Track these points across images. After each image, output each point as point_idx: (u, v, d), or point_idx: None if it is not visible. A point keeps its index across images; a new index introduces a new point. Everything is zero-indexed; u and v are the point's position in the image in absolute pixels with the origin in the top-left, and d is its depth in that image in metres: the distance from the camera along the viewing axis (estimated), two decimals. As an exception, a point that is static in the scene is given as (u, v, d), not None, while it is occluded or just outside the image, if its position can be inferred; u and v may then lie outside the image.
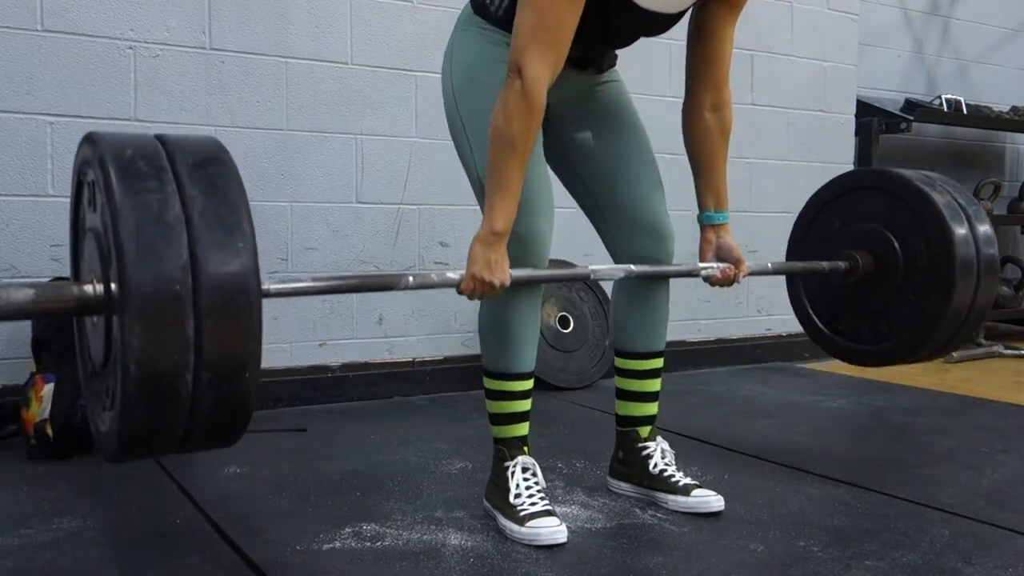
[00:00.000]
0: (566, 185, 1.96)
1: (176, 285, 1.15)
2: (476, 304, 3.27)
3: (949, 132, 4.83)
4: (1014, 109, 4.77)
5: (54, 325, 2.34)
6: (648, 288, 1.93)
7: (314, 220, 2.92)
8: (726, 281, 1.92)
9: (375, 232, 3.02)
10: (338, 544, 1.71)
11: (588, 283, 3.31)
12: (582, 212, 1.97)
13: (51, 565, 1.61)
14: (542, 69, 1.60)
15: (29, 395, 2.29)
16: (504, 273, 1.65)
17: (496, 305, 1.80)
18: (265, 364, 2.81)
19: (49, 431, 2.23)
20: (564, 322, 3.23)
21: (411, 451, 2.36)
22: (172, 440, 1.24)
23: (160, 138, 1.27)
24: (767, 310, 3.87)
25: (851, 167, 4.07)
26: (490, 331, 1.83)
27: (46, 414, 2.24)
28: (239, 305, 1.19)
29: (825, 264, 2.18)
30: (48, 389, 2.27)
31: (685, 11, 1.78)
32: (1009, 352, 4.13)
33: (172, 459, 2.25)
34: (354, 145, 2.97)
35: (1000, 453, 2.40)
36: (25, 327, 2.46)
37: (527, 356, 1.82)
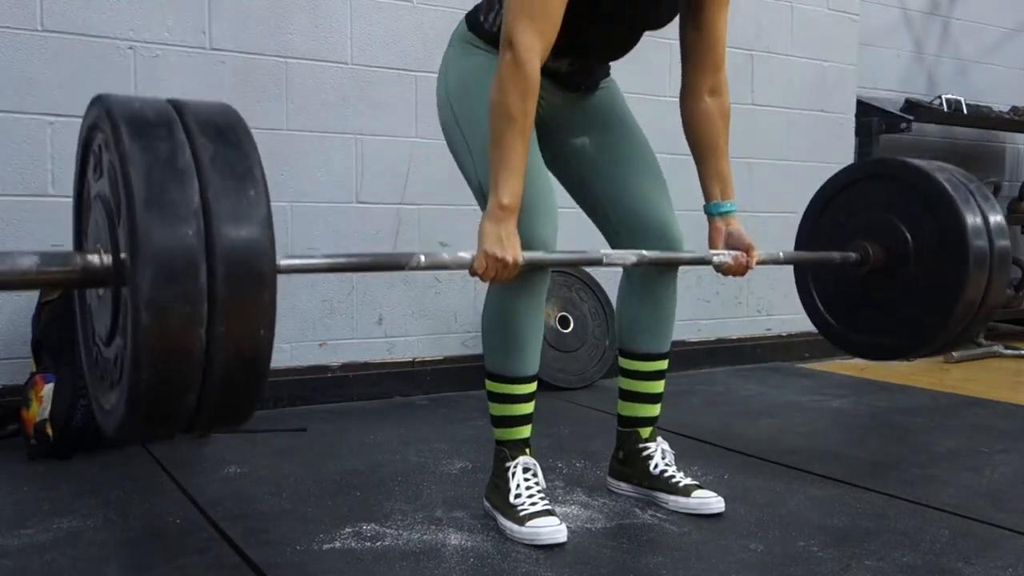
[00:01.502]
0: (571, 193, 1.95)
1: (189, 241, 1.11)
2: (476, 303, 3.27)
3: (949, 132, 4.84)
4: (1014, 109, 4.77)
5: (54, 325, 2.34)
6: (656, 289, 1.92)
7: (314, 220, 2.92)
8: (739, 269, 1.89)
9: (375, 232, 3.02)
10: (338, 544, 1.71)
11: (588, 283, 3.31)
12: (582, 213, 1.97)
13: (51, 565, 1.61)
14: (533, 38, 1.59)
15: (29, 395, 2.29)
16: (516, 250, 1.62)
17: (500, 307, 1.79)
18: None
19: (49, 431, 2.23)
20: (564, 322, 3.23)
21: (411, 451, 2.36)
22: (183, 411, 1.19)
23: (171, 101, 1.25)
24: (767, 310, 3.87)
25: (851, 167, 4.07)
26: (494, 334, 1.82)
27: (46, 414, 2.24)
28: (254, 267, 1.15)
29: (836, 254, 2.14)
30: (48, 389, 2.27)
31: None
32: (1009, 352, 4.13)
33: (172, 459, 2.25)
34: (354, 145, 2.97)
35: (1000, 453, 2.40)
36: (25, 327, 2.46)
37: (531, 359, 1.81)
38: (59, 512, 1.86)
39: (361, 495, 2.00)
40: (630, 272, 1.93)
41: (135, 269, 1.11)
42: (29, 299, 2.48)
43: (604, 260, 1.77)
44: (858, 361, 3.98)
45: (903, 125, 4.15)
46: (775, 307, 3.86)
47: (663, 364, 1.97)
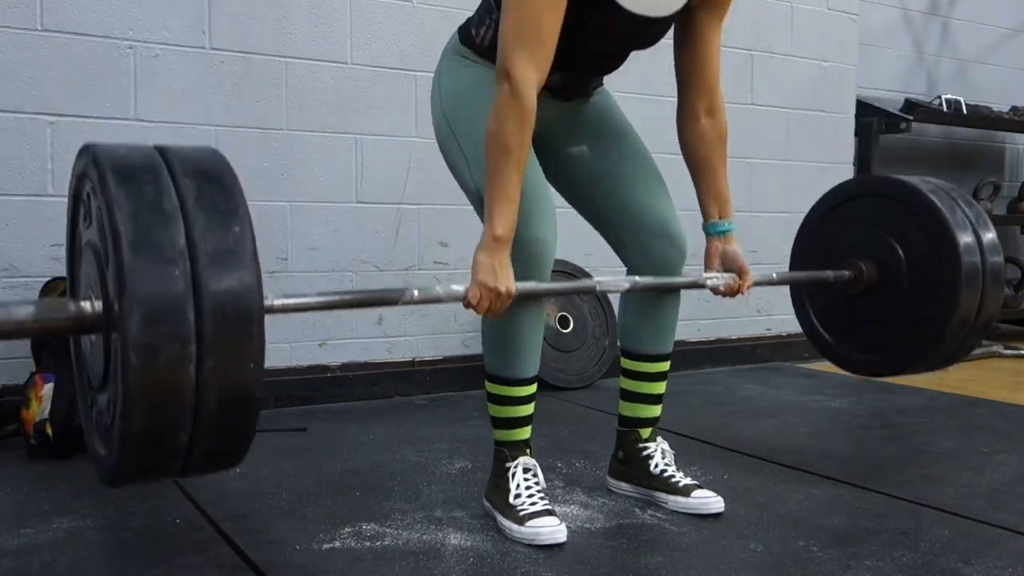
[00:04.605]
0: (571, 202, 1.95)
1: (176, 282, 1.12)
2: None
3: (949, 132, 4.84)
4: (1014, 109, 4.77)
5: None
6: (661, 291, 1.91)
7: (314, 220, 2.92)
8: (730, 293, 1.92)
9: (375, 232, 3.02)
10: (338, 544, 1.71)
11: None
12: (574, 214, 1.97)
13: (50, 565, 1.61)
14: (529, 69, 1.61)
15: (29, 395, 2.29)
16: (509, 280, 1.64)
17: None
18: (265, 364, 2.83)
19: (49, 431, 2.23)
20: (564, 322, 3.23)
21: (411, 451, 2.36)
22: (176, 453, 1.19)
23: (157, 146, 1.27)
24: (767, 310, 3.87)
25: (851, 167, 4.07)
26: (493, 336, 1.81)
27: (46, 414, 2.24)
28: (242, 303, 1.16)
29: (830, 273, 2.16)
30: (48, 389, 2.27)
31: (671, 18, 1.77)
32: (1009, 352, 4.13)
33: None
34: (354, 145, 2.97)
35: (1000, 453, 2.40)
36: (25, 327, 2.46)
37: (531, 361, 1.81)
38: (59, 512, 1.86)
39: (361, 495, 2.00)
40: (633, 273, 1.92)
41: (123, 312, 1.12)
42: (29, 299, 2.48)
43: (597, 288, 1.81)
44: (858, 361, 3.99)
45: (903, 125, 4.15)
46: (775, 307, 3.86)
47: (665, 365, 1.97)
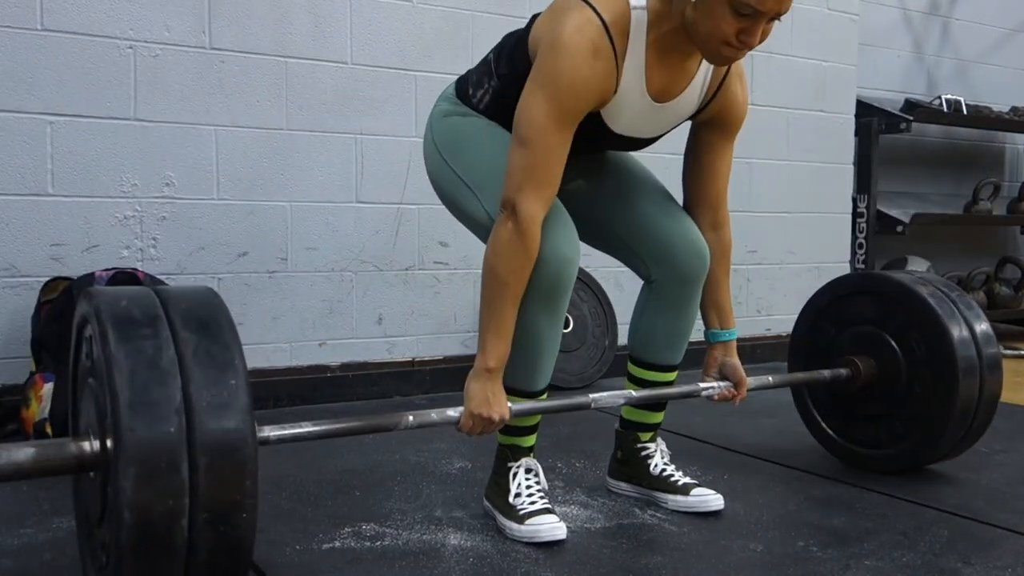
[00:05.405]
0: (586, 239, 1.92)
1: (170, 438, 1.15)
2: (475, 303, 3.27)
3: (949, 132, 4.84)
4: (1014, 109, 4.77)
5: (54, 324, 2.34)
6: (680, 302, 1.90)
7: (314, 220, 2.92)
8: (724, 400, 1.94)
9: (375, 232, 3.02)
10: (338, 544, 1.71)
11: (588, 283, 3.31)
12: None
13: (50, 564, 1.61)
14: (537, 207, 1.60)
15: (29, 394, 2.29)
16: (502, 407, 1.65)
17: (521, 325, 1.71)
18: (265, 364, 2.84)
19: (49, 430, 2.23)
20: (564, 322, 3.23)
21: (411, 451, 2.36)
22: None
23: (156, 290, 1.30)
24: (767, 310, 3.87)
25: (851, 167, 4.07)
26: (512, 349, 1.74)
27: (45, 413, 2.24)
28: (234, 457, 1.19)
29: (826, 372, 2.16)
30: (48, 388, 2.27)
31: (664, 134, 1.80)
32: (1009, 352, 4.13)
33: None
34: (354, 145, 2.97)
35: (1000, 453, 2.41)
36: (25, 327, 2.46)
37: (545, 375, 1.79)
38: (58, 511, 1.86)
39: (361, 495, 2.00)
40: (652, 283, 1.91)
41: (118, 470, 1.14)
42: (29, 299, 2.48)
43: (593, 405, 1.80)
44: (858, 361, 3.98)
45: (903, 125, 4.15)
46: (775, 307, 3.86)
47: (674, 375, 1.97)
